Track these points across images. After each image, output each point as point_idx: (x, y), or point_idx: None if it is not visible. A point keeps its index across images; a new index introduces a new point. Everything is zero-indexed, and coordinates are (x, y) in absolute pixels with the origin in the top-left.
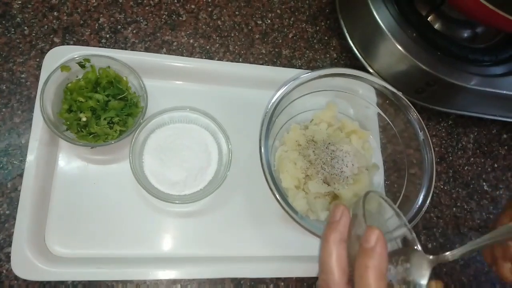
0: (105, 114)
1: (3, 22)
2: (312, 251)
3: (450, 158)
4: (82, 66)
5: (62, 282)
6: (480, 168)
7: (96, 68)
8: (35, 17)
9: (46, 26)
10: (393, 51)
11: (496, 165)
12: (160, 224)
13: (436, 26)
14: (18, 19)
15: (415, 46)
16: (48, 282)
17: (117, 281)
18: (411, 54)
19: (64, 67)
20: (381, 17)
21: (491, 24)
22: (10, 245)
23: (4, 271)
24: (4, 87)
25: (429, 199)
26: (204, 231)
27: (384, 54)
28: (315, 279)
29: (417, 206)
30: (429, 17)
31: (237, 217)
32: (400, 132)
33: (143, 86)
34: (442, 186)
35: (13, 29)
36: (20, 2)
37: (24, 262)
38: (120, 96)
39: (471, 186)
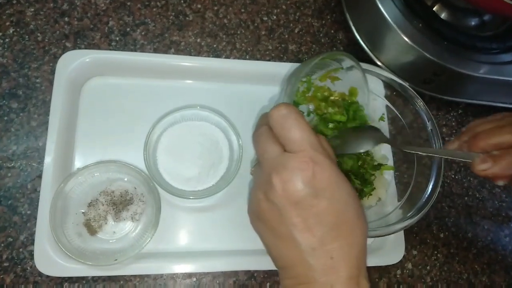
0: None
1: (18, 29)
2: None
3: None
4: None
5: (83, 278)
6: None
7: None
8: (47, 23)
9: (58, 31)
10: (400, 43)
11: None
12: (174, 220)
13: (443, 15)
14: (31, 26)
15: (422, 36)
16: (70, 278)
17: (135, 276)
18: (418, 45)
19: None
20: (386, 8)
21: (497, 11)
22: (32, 243)
23: (29, 268)
24: (21, 92)
25: (438, 188)
26: (218, 225)
27: (391, 46)
28: None
29: (427, 195)
30: (435, 7)
31: None
32: (408, 123)
33: None
34: (453, 176)
35: (27, 36)
36: (32, 9)
37: (47, 259)
38: None
39: None
